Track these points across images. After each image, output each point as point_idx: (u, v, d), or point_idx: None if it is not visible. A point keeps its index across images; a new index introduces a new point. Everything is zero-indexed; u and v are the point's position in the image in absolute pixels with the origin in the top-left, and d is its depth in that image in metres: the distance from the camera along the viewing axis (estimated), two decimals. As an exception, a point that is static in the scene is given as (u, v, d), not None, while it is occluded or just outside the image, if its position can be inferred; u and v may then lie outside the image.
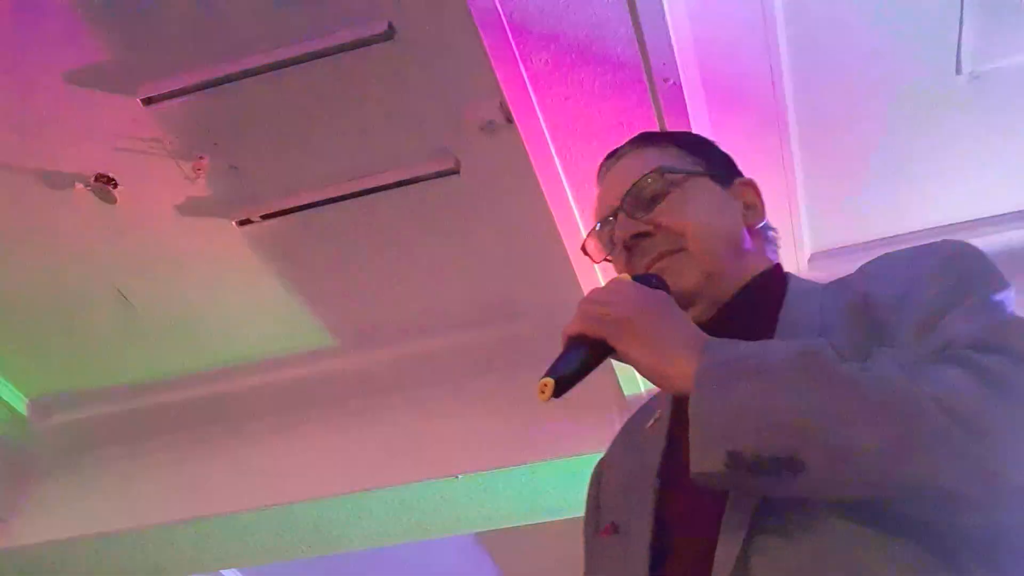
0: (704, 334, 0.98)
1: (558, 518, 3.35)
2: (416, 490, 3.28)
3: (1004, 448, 0.83)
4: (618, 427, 1.27)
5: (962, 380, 0.85)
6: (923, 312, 0.96)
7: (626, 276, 1.10)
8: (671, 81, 2.11)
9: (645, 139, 1.28)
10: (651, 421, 1.15)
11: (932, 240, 1.07)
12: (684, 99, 2.15)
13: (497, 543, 4.56)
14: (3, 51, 2.45)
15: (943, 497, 0.83)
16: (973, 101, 2.38)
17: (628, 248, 1.16)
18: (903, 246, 1.00)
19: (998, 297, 0.97)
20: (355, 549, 3.78)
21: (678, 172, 1.18)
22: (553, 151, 2.26)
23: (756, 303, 1.13)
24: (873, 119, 2.45)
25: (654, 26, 2.01)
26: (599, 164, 1.30)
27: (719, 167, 1.23)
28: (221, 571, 4.21)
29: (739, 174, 1.26)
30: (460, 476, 3.21)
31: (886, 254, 1.08)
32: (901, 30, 2.25)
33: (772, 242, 1.24)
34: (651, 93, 2.15)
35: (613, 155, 1.28)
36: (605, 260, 1.25)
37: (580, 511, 1.24)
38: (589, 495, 1.25)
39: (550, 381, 0.98)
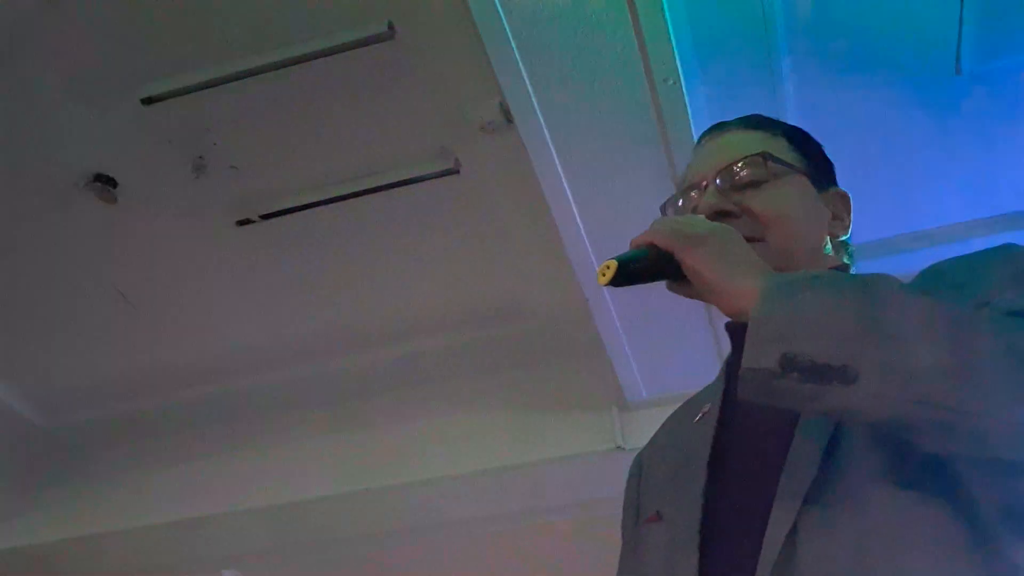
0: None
1: (559, 518, 3.35)
2: (416, 490, 3.28)
3: None
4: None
5: None
6: (981, 293, 0.96)
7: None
8: (671, 81, 2.11)
9: (756, 121, 1.26)
10: (699, 415, 1.16)
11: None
12: (684, 99, 2.15)
13: (497, 543, 4.56)
14: (3, 51, 2.45)
15: (992, 440, 0.83)
16: (973, 101, 2.38)
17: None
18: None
19: None
20: (355, 549, 3.78)
21: (781, 163, 1.17)
22: (553, 151, 2.26)
23: None
24: (873, 119, 2.45)
25: (654, 26, 2.02)
26: (701, 134, 1.27)
27: (820, 170, 1.22)
28: (221, 571, 4.21)
29: (835, 183, 1.25)
30: (460, 476, 3.21)
31: (950, 258, 1.09)
32: (901, 30, 2.25)
33: (852, 257, 1.23)
34: (651, 93, 2.15)
35: (718, 127, 1.26)
36: None
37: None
38: (629, 487, 1.25)
39: (614, 263, 0.98)
